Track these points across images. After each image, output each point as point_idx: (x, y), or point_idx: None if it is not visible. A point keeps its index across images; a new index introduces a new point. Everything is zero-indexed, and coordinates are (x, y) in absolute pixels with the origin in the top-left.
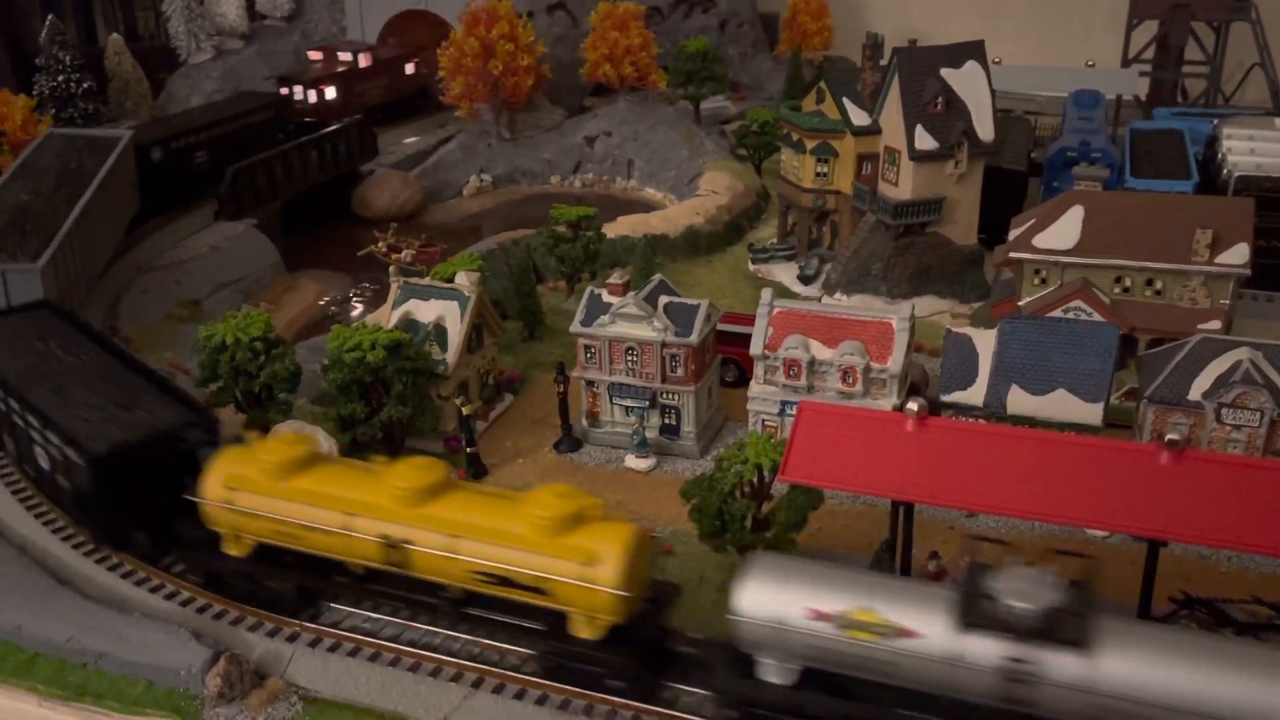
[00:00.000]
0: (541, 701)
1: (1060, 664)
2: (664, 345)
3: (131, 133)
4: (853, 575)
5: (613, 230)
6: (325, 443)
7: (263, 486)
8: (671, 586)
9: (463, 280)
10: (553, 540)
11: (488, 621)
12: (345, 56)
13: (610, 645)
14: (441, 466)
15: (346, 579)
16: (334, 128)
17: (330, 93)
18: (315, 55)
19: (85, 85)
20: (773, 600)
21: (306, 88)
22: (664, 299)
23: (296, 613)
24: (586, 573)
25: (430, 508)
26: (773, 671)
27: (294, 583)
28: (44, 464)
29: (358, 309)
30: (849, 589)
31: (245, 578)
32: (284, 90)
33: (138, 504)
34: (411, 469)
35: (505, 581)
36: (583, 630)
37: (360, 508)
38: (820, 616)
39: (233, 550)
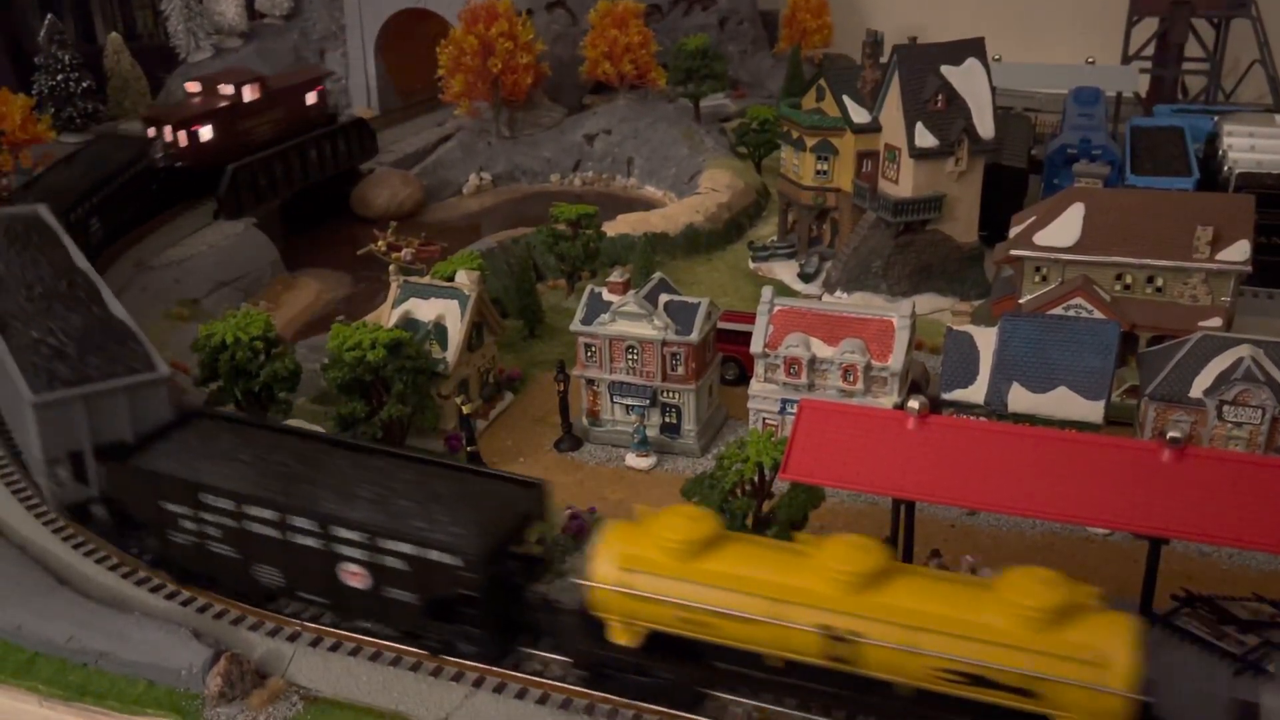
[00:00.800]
0: (543, 701)
1: None
2: (664, 344)
3: (44, 205)
4: None
5: (613, 228)
6: None
7: (667, 568)
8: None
9: (463, 279)
10: (1045, 635)
11: None
12: (226, 89)
13: None
14: (882, 548)
15: (761, 672)
16: (331, 127)
17: (206, 133)
18: (193, 87)
19: (84, 84)
20: None
21: (176, 128)
22: (664, 297)
23: (687, 707)
24: (1093, 674)
25: (882, 595)
26: None
27: (699, 675)
28: (359, 583)
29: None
30: None
31: (636, 669)
32: (150, 132)
33: (506, 600)
34: (850, 549)
35: (980, 681)
36: None
37: (793, 594)
38: None
39: (622, 638)
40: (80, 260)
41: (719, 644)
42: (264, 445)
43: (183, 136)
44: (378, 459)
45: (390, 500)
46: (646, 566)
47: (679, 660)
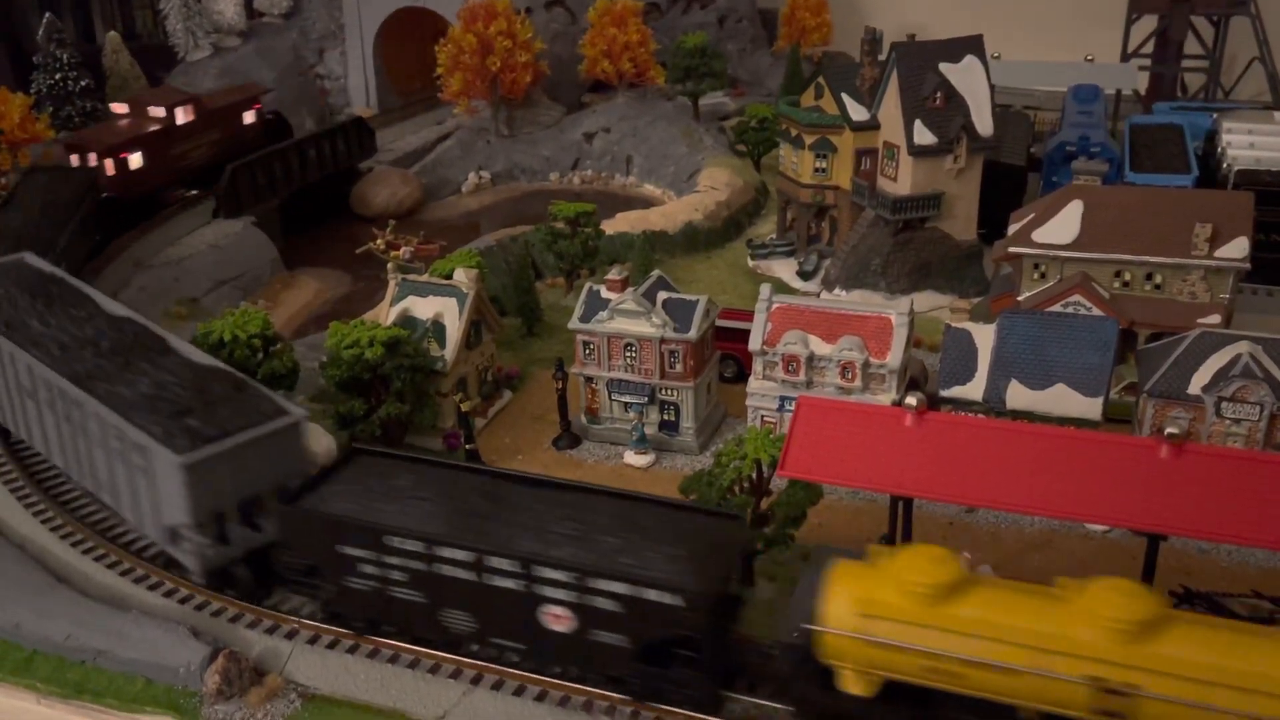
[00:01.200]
0: (540, 698)
1: None
2: (663, 341)
3: (30, 254)
4: None
5: (611, 227)
6: (324, 439)
7: (912, 614)
8: None
9: (461, 277)
10: None
11: None
12: (158, 112)
13: None
14: (1153, 594)
15: None
16: (330, 127)
17: (135, 160)
18: (120, 109)
19: (83, 83)
20: None
21: (103, 156)
22: (663, 295)
23: None
24: None
25: (1161, 645)
26: None
27: None
28: (562, 626)
29: None
30: None
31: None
32: (74, 158)
33: (724, 642)
34: (1119, 595)
35: None
36: None
37: (1059, 643)
38: None
39: (855, 688)
40: (119, 307)
41: (963, 695)
42: (445, 483)
43: (110, 164)
44: (568, 493)
45: (594, 537)
46: (888, 612)
47: (914, 710)
